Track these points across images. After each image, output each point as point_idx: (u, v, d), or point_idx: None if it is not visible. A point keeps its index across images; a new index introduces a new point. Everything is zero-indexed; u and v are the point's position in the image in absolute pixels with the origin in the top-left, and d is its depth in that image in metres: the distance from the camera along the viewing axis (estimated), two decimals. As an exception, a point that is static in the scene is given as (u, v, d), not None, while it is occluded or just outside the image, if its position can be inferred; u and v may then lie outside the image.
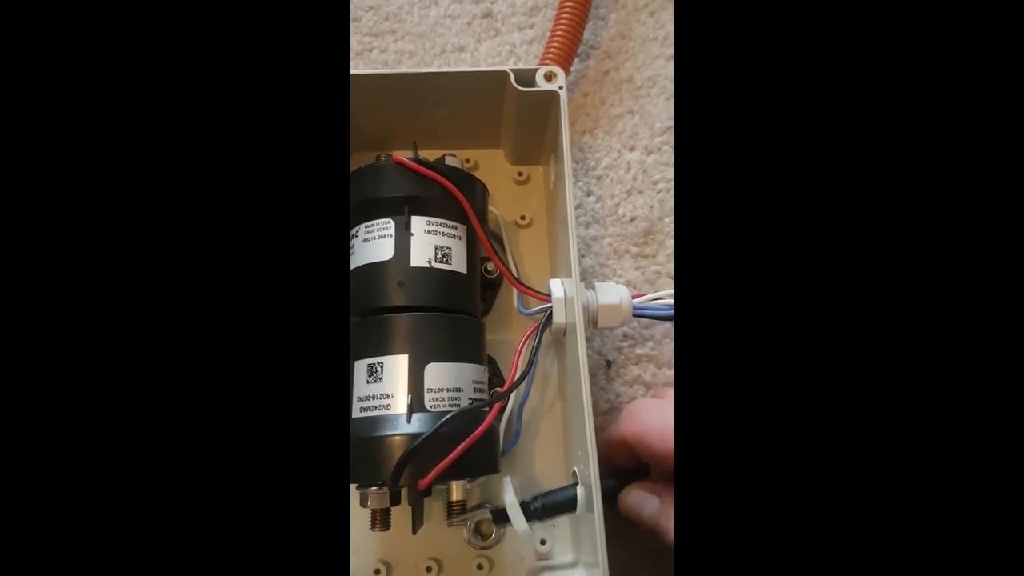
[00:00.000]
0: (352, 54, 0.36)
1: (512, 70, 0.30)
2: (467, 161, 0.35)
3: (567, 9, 0.33)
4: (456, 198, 0.27)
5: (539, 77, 0.30)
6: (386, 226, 0.27)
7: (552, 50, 0.33)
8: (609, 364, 0.32)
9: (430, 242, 0.27)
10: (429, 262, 0.27)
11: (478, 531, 0.28)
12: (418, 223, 0.27)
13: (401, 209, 0.27)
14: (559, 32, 0.33)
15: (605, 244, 0.33)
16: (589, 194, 0.34)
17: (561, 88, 0.30)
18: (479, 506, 0.27)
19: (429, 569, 0.28)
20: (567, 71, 0.33)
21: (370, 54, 0.36)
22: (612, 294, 0.28)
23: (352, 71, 0.30)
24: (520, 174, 0.35)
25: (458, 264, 0.28)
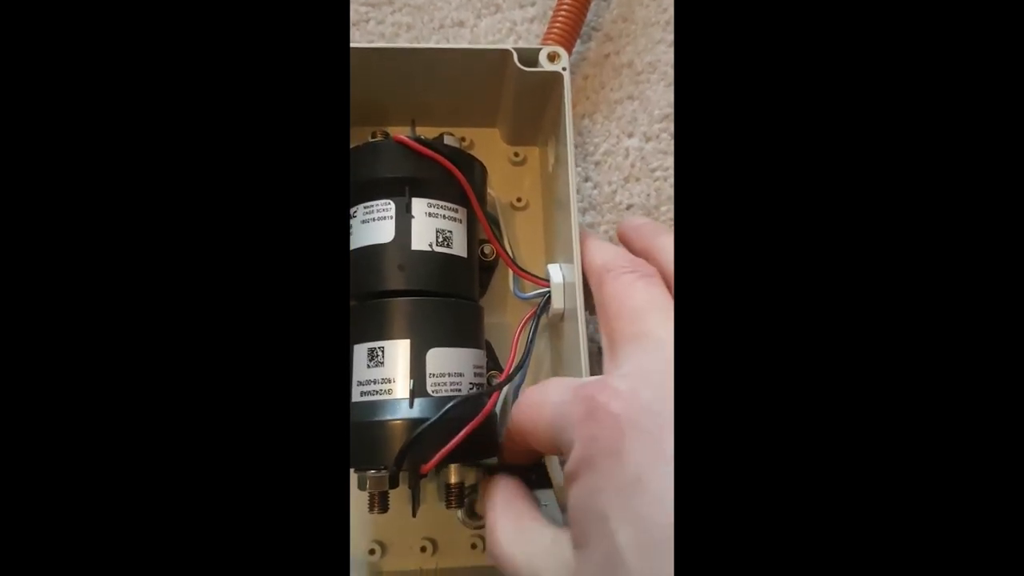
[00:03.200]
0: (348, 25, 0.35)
1: (515, 49, 0.29)
2: (463, 140, 0.34)
3: None
4: (457, 180, 0.27)
5: (542, 57, 0.30)
6: (386, 207, 0.27)
7: (555, 29, 0.32)
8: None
9: (431, 225, 0.27)
10: (430, 245, 0.26)
11: (471, 511, 0.28)
12: (419, 205, 0.27)
13: (401, 190, 0.27)
14: (563, 10, 0.32)
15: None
16: (587, 180, 0.34)
17: (564, 69, 0.30)
18: (475, 488, 0.27)
19: (424, 549, 0.28)
20: (569, 52, 0.33)
21: (366, 25, 0.35)
22: (610, 280, 0.28)
23: (350, 46, 0.29)
24: (516, 154, 0.35)
25: (459, 248, 0.27)
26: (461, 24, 0.35)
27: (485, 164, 0.30)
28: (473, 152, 0.34)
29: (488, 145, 0.35)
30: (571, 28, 0.32)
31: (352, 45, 0.29)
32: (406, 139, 0.26)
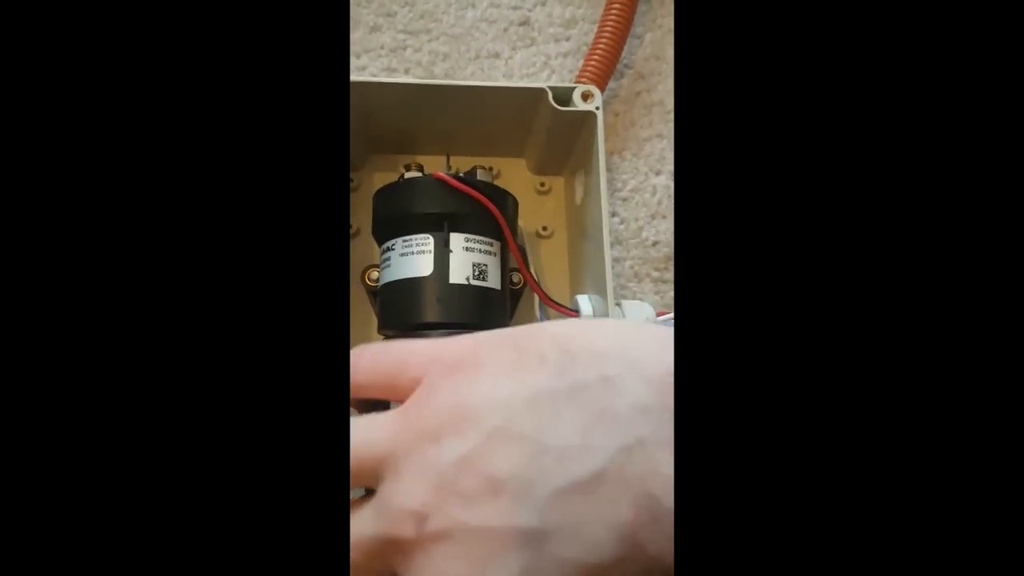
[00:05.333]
0: (386, 50, 0.36)
1: (550, 87, 0.30)
2: (490, 169, 0.35)
3: (609, 26, 0.33)
4: (493, 215, 0.28)
5: (576, 96, 0.31)
6: (425, 242, 0.27)
7: (591, 67, 0.33)
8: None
9: (468, 259, 0.27)
10: (467, 279, 0.27)
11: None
12: (457, 240, 0.27)
13: (439, 225, 0.27)
14: (599, 49, 0.33)
15: (627, 266, 0.34)
16: (614, 215, 0.35)
17: (598, 109, 0.30)
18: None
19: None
20: (603, 89, 0.34)
21: (404, 52, 0.36)
22: (639, 312, 0.29)
23: (388, 79, 0.30)
24: (542, 184, 0.35)
25: (493, 281, 0.28)
26: (496, 56, 0.36)
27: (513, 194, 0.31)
28: (500, 181, 0.35)
29: (514, 174, 0.36)
30: (606, 66, 0.33)
31: (390, 79, 0.30)
32: (445, 176, 0.27)
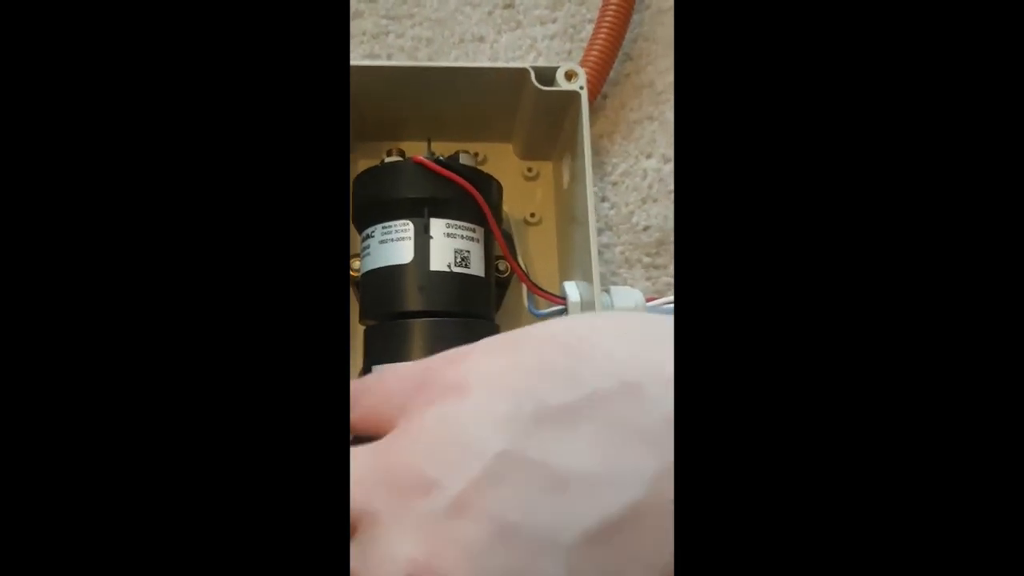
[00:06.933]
0: (368, 36, 0.35)
1: (533, 67, 0.29)
2: (476, 155, 0.34)
3: (610, 13, 0.32)
4: (475, 200, 0.27)
5: (560, 76, 0.30)
6: (404, 228, 0.27)
7: (592, 56, 0.32)
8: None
9: (449, 245, 0.27)
10: (449, 266, 0.26)
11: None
12: (437, 226, 0.27)
13: (419, 210, 0.27)
14: (602, 32, 0.32)
15: (617, 252, 0.33)
16: (604, 200, 0.34)
17: (582, 88, 0.30)
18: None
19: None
20: (605, 77, 0.33)
21: (386, 38, 0.35)
22: (627, 298, 0.28)
23: (369, 62, 0.29)
24: (529, 170, 0.35)
25: (476, 268, 0.27)
26: (481, 39, 0.35)
27: (498, 179, 0.30)
28: (486, 167, 0.34)
29: (501, 160, 0.35)
30: (609, 54, 0.32)
31: (370, 63, 0.29)
32: (425, 160, 0.26)
